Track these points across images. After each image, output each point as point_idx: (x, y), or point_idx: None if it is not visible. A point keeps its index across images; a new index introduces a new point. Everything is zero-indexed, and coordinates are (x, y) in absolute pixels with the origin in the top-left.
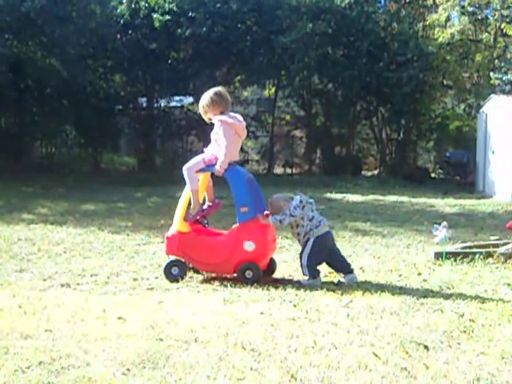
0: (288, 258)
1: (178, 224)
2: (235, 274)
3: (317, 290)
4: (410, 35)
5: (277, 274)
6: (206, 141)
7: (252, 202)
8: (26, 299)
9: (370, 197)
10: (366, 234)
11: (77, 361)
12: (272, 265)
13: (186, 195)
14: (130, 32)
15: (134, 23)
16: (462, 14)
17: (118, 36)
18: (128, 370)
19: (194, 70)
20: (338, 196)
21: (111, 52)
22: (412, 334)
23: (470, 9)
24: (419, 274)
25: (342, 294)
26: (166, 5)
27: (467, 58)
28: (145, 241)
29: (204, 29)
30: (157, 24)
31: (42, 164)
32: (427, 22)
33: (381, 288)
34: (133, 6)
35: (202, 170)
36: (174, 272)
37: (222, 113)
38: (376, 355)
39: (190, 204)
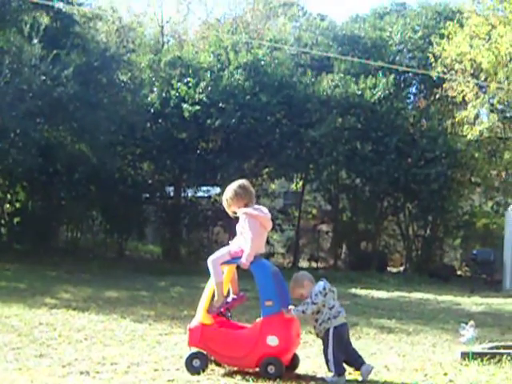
0: (311, 354)
1: (201, 316)
2: (257, 369)
3: None
4: (439, 132)
5: (300, 370)
6: (232, 232)
7: (277, 296)
8: None
9: (396, 293)
10: (390, 331)
11: None
12: (295, 360)
13: (210, 287)
14: (159, 121)
15: (164, 112)
16: (491, 111)
17: (148, 124)
18: None
19: (222, 161)
20: (363, 292)
21: (140, 140)
22: None
23: (499, 106)
24: (445, 374)
25: None
26: (196, 95)
27: (495, 155)
28: (167, 331)
29: (233, 120)
30: (186, 114)
31: (67, 248)
32: (456, 119)
33: None
34: (163, 95)
35: (227, 263)
36: (196, 364)
37: (246, 205)
38: None
39: (213, 296)
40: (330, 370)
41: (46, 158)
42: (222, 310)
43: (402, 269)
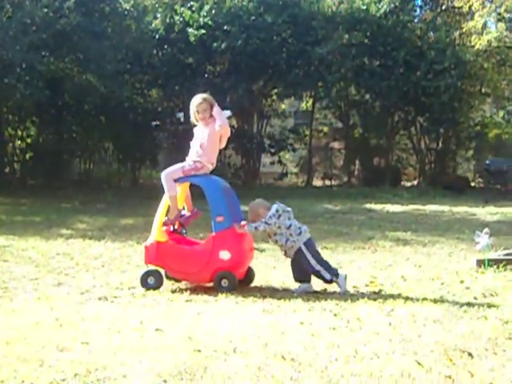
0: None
1: (155, 233)
2: (211, 283)
3: (358, 299)
4: (447, 43)
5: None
6: (245, 154)
7: (228, 212)
8: (63, 312)
9: (410, 207)
10: (406, 243)
11: (113, 373)
12: (250, 274)
13: (164, 203)
14: (165, 47)
15: (169, 38)
16: (499, 20)
17: (154, 51)
18: (165, 381)
19: (230, 84)
20: (378, 207)
21: (147, 67)
22: (456, 342)
23: (507, 15)
24: (461, 281)
25: (383, 303)
26: (201, 19)
27: (505, 64)
28: None
29: (239, 42)
30: (192, 38)
31: (81, 180)
32: (463, 30)
33: (423, 296)
34: (167, 20)
35: (180, 180)
36: (150, 282)
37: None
38: (419, 363)
39: (168, 212)
40: (326, 280)
41: (54, 90)
42: (176, 226)
43: (415, 182)
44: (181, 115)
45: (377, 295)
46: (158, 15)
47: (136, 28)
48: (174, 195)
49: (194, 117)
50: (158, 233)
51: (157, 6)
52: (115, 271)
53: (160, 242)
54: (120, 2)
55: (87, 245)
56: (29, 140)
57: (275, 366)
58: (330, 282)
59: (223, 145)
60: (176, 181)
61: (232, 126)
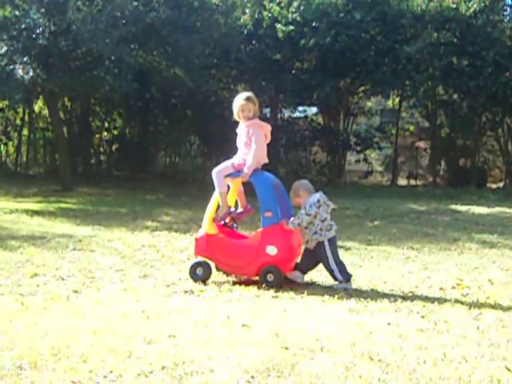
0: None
1: (206, 226)
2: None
3: (445, 301)
4: None
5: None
6: (330, 151)
7: (276, 207)
8: (149, 304)
9: (496, 209)
10: (493, 246)
11: (200, 367)
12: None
13: (214, 198)
14: (253, 42)
15: (257, 33)
16: None
17: (242, 46)
18: (252, 377)
19: (317, 81)
20: (463, 208)
21: (234, 62)
22: None
23: None
24: None
25: (470, 307)
26: (289, 15)
27: None
28: None
29: (328, 39)
30: (280, 34)
31: (166, 173)
32: None
33: (511, 301)
34: (256, 16)
35: (230, 176)
36: (199, 273)
37: (254, 115)
38: (508, 369)
39: (219, 207)
40: (336, 279)
41: (142, 83)
42: (227, 221)
43: (501, 185)
44: (267, 111)
45: (464, 298)
46: (247, 10)
47: (224, 23)
48: (224, 192)
49: (237, 115)
50: (208, 226)
51: (245, 1)
52: None
53: (210, 234)
54: None
55: (172, 237)
56: (115, 132)
57: (363, 366)
58: (339, 282)
59: (269, 139)
60: (227, 176)
61: (318, 123)
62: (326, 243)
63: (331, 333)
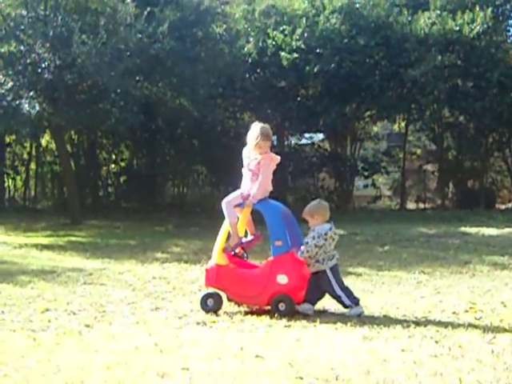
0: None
1: (216, 257)
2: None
3: (458, 325)
4: None
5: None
6: (338, 177)
7: (286, 236)
8: (161, 337)
9: (506, 230)
10: (504, 267)
11: None
12: None
13: (224, 228)
14: (258, 70)
15: (261, 62)
16: None
17: (247, 75)
18: None
19: (323, 107)
20: (473, 230)
21: (240, 91)
22: None
23: None
24: None
25: (484, 330)
26: (293, 42)
27: None
28: None
29: (332, 65)
30: (285, 62)
31: (174, 204)
32: None
33: None
34: (260, 44)
35: (240, 206)
36: (210, 304)
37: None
38: None
39: (229, 237)
40: (345, 304)
41: (148, 115)
42: (237, 250)
43: (510, 205)
44: (274, 139)
45: (477, 322)
46: (251, 39)
47: (229, 52)
48: (235, 222)
49: (252, 148)
50: (218, 256)
51: (249, 29)
52: None
53: (220, 265)
54: (213, 26)
55: (183, 268)
56: (123, 164)
57: None
58: (348, 307)
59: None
60: (237, 206)
61: (325, 150)
62: (329, 272)
63: (345, 361)
